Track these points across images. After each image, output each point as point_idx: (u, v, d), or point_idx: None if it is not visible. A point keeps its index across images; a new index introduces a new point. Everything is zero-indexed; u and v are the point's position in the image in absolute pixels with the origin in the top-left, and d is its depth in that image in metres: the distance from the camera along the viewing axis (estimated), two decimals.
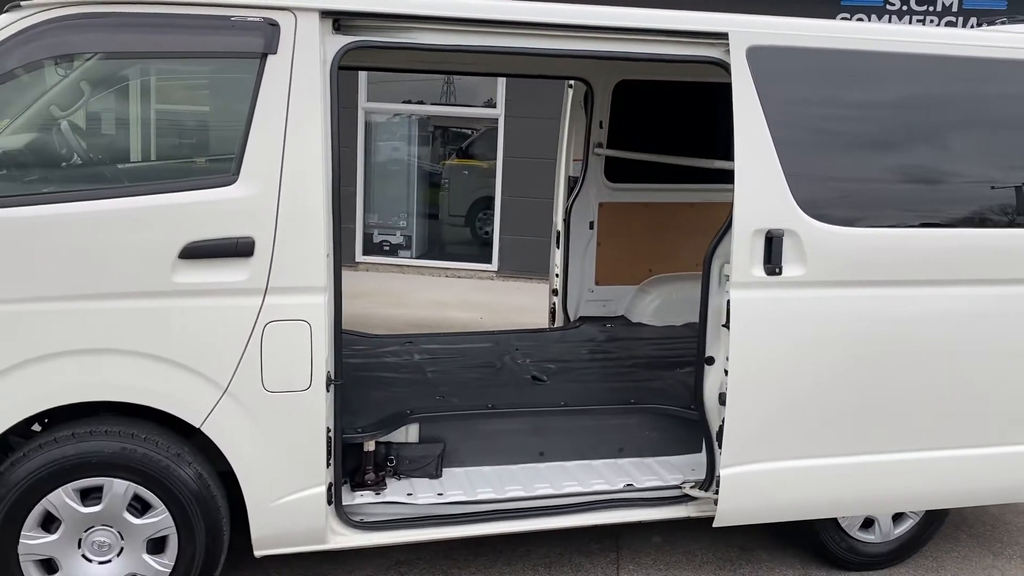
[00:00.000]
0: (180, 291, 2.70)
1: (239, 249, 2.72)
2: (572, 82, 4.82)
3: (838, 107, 3.13)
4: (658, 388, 3.80)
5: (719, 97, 4.88)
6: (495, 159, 9.65)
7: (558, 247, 4.96)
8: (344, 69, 2.87)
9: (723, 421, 3.13)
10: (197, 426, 2.78)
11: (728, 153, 4.89)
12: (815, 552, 3.61)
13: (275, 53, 2.72)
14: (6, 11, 2.61)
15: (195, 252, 2.68)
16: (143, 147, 2.90)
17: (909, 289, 3.18)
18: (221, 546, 2.92)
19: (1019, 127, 3.26)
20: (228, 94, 2.78)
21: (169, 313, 2.70)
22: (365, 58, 4.01)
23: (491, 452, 3.45)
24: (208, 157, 2.80)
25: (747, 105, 3.02)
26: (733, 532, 3.78)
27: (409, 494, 3.19)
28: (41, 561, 2.78)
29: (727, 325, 3.12)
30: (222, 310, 2.74)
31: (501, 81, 9.41)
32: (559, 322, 4.99)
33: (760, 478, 3.17)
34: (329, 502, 2.96)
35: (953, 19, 9.01)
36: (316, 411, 2.86)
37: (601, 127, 4.83)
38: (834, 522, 3.47)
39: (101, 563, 2.83)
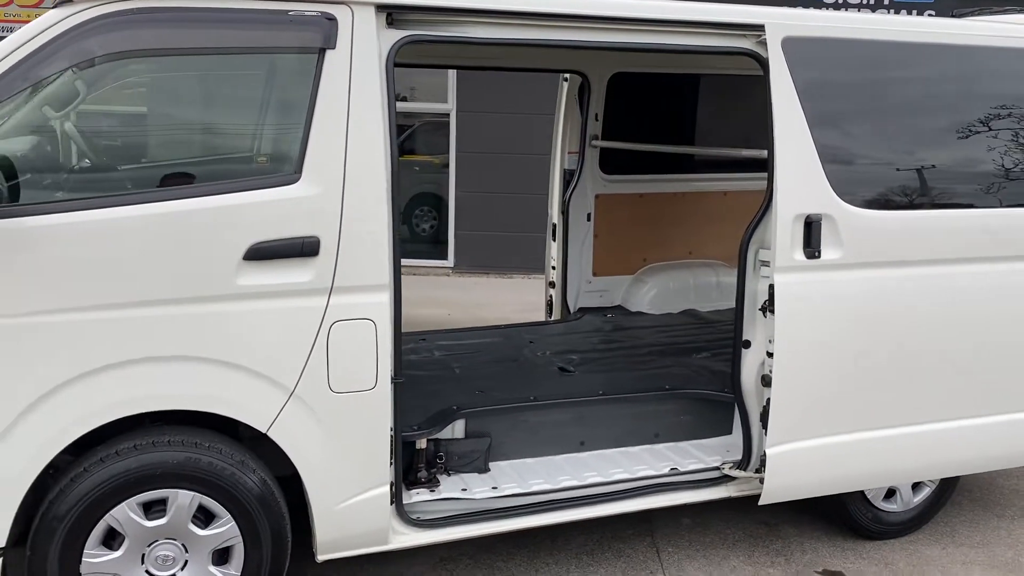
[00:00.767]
0: (245, 294, 2.63)
1: (304, 249, 2.66)
2: (567, 76, 4.86)
3: (866, 95, 3.25)
4: (683, 374, 3.88)
5: (710, 88, 5.05)
6: (447, 153, 9.62)
7: (554, 240, 5.00)
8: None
9: (767, 402, 3.23)
10: (263, 431, 2.72)
11: (721, 141, 5.05)
12: (838, 524, 3.76)
13: (333, 48, 2.68)
14: (54, 7, 2.49)
15: (260, 253, 2.62)
16: (201, 147, 2.80)
17: (936, 268, 3.34)
18: (285, 552, 2.86)
19: None
20: (287, 90, 2.71)
21: (234, 317, 2.63)
22: (413, 54, 3.93)
23: (534, 444, 3.48)
24: (269, 156, 2.73)
25: (784, 95, 3.12)
26: (756, 511, 3.87)
27: (463, 489, 3.19)
28: None
29: (764, 309, 3.23)
30: (287, 312, 2.68)
31: (451, 75, 9.37)
32: (556, 314, 5.03)
33: (805, 455, 3.28)
34: (391, 502, 2.93)
35: (885, 11, 9.42)
36: (381, 410, 2.83)
37: (597, 119, 4.89)
38: (861, 494, 3.62)
39: None
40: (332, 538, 2.87)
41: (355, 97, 2.69)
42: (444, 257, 9.62)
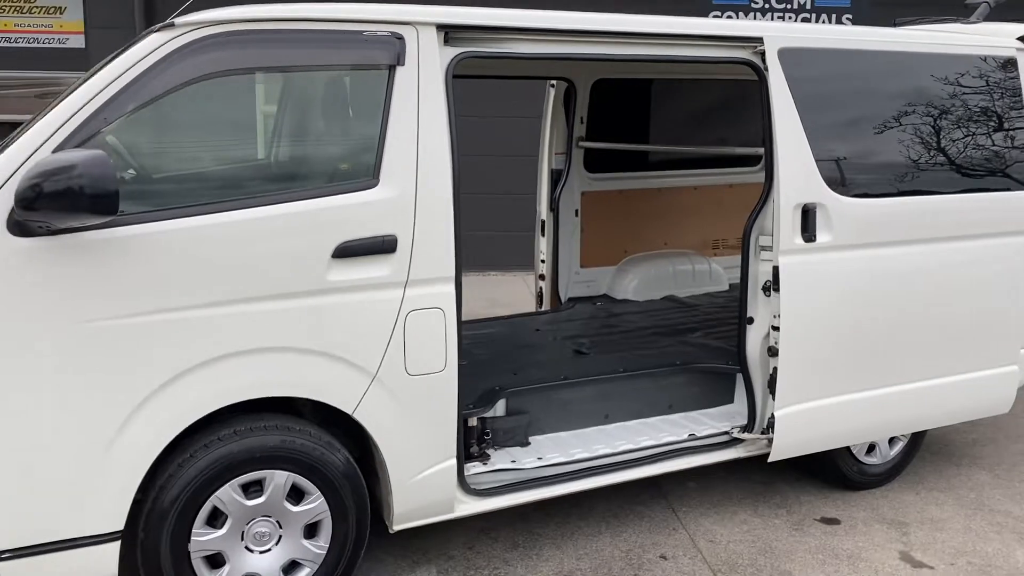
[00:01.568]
0: (334, 288, 2.89)
1: (384, 246, 2.94)
2: (554, 82, 5.22)
3: (847, 97, 3.71)
4: (685, 351, 4.28)
5: (683, 91, 5.49)
6: None
7: (543, 236, 5.36)
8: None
9: (774, 370, 3.66)
10: (350, 413, 2.98)
11: (693, 140, 5.50)
12: (826, 478, 4.22)
13: (403, 65, 2.97)
14: (158, 31, 2.71)
15: (346, 251, 2.88)
16: (292, 156, 3.04)
17: (907, 247, 3.82)
18: (366, 525, 3.13)
19: (981, 112, 3.99)
20: (363, 103, 2.97)
21: (324, 309, 2.89)
22: (463, 68, 4.19)
23: (566, 418, 3.82)
24: (351, 163, 2.98)
25: (782, 99, 3.55)
26: (753, 473, 4.34)
27: (513, 461, 3.51)
28: (208, 557, 2.90)
29: (765, 289, 3.66)
30: (370, 303, 2.96)
31: None
32: (547, 304, 5.39)
33: (807, 415, 3.72)
34: (457, 474, 3.23)
35: (808, 15, 10.10)
36: (450, 390, 3.13)
37: (582, 122, 5.27)
38: (848, 450, 4.10)
39: (262, 552, 2.98)
40: (407, 509, 3.16)
41: (422, 108, 2.99)
42: None
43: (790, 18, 10.07)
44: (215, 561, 2.92)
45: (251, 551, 2.96)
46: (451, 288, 3.08)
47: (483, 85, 7.77)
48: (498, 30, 3.15)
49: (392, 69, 2.96)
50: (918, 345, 3.92)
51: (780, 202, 3.55)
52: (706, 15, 9.89)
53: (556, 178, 5.32)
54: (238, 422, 2.88)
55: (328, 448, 2.99)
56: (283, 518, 2.98)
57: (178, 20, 2.72)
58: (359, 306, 2.94)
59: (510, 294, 8.50)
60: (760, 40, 3.55)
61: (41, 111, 2.79)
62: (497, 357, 4.17)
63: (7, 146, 2.61)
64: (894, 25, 4.63)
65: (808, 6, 10.08)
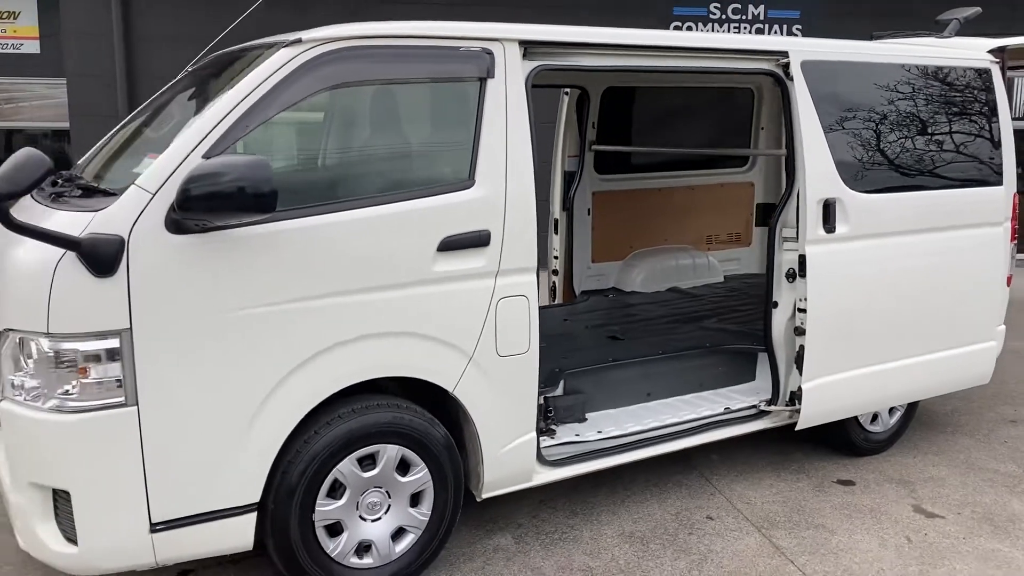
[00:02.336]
0: (438, 278, 3.20)
1: (480, 240, 3.26)
2: (568, 89, 5.60)
3: (857, 104, 4.18)
4: (708, 335, 4.70)
5: (683, 98, 5.92)
6: None
7: (556, 233, 5.73)
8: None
9: (800, 348, 4.10)
10: (450, 391, 3.29)
11: (692, 143, 5.94)
12: (835, 447, 4.69)
13: (493, 77, 3.30)
14: (287, 46, 2.98)
15: (449, 245, 3.20)
16: (401, 159, 3.33)
17: (907, 237, 4.31)
18: (461, 493, 3.44)
19: (964, 116, 4.52)
20: (459, 112, 3.28)
21: (431, 297, 3.19)
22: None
23: (614, 397, 4.20)
24: (451, 165, 3.29)
25: (805, 107, 3.99)
26: (768, 444, 4.78)
27: (576, 435, 3.87)
28: (328, 526, 3.17)
29: (790, 275, 4.10)
30: (468, 291, 3.28)
31: None
32: (560, 298, 5.76)
33: (829, 388, 4.18)
34: (536, 446, 3.57)
35: (761, 26, 10.72)
36: (532, 370, 3.47)
37: (594, 127, 5.66)
38: (856, 419, 4.57)
39: (374, 521, 3.27)
40: (494, 478, 3.48)
41: (509, 116, 3.32)
42: None
43: (745, 28, 10.68)
44: (334, 530, 3.19)
45: (364, 520, 3.24)
46: (533, 277, 3.42)
47: None
48: (567, 45, 3.51)
49: (483, 81, 3.29)
50: (916, 323, 4.42)
51: (807, 197, 3.99)
52: (668, 25, 10.42)
53: (569, 180, 5.69)
54: (352, 402, 3.16)
55: (431, 424, 3.30)
56: (392, 488, 3.27)
57: (305, 36, 3.00)
58: (459, 294, 3.26)
59: None
60: (785, 53, 3.98)
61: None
62: (543, 344, 4.51)
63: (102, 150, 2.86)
64: (871, 38, 5.13)
65: (761, 17, 10.69)
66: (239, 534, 2.98)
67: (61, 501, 2.80)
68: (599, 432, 3.90)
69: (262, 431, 2.95)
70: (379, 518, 3.28)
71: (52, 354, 2.68)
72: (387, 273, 3.10)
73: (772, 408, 4.23)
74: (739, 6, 10.55)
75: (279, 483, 3.03)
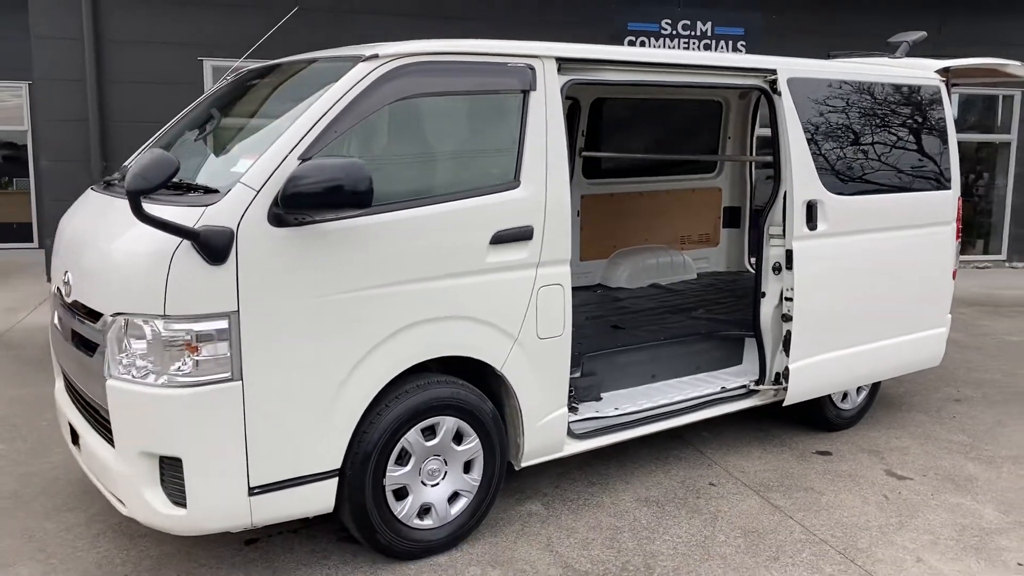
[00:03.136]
0: (490, 268, 3.59)
1: (525, 234, 3.67)
2: None
3: (833, 116, 4.74)
4: (698, 323, 5.19)
5: (663, 110, 6.43)
6: None
7: None
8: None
9: (787, 332, 4.62)
10: (498, 369, 3.68)
11: (670, 151, 6.45)
12: (810, 424, 5.23)
13: (535, 90, 3.72)
14: (364, 60, 3.34)
15: (500, 238, 3.60)
16: (460, 162, 3.71)
17: (875, 234, 4.89)
18: (505, 462, 3.83)
19: (919, 128, 5.13)
20: (507, 120, 3.67)
21: (484, 285, 3.58)
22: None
23: (624, 378, 4.64)
24: (501, 167, 3.67)
25: (791, 119, 4.52)
26: (751, 422, 5.30)
27: (596, 411, 4.30)
28: (396, 490, 3.52)
29: (776, 268, 4.62)
30: (514, 280, 3.68)
31: None
32: None
33: (812, 368, 4.71)
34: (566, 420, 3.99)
35: (708, 42, 11.37)
36: (566, 351, 3.89)
37: (583, 135, 6.12)
38: (829, 398, 5.13)
39: (433, 486, 3.63)
40: (532, 448, 3.88)
41: (548, 124, 3.74)
42: None
43: (694, 43, 11.31)
44: (399, 494, 3.55)
45: (425, 485, 3.61)
46: (567, 268, 3.85)
47: None
48: (594, 62, 3.95)
49: (526, 93, 3.70)
50: (883, 310, 5.00)
51: (794, 199, 4.51)
52: (622, 40, 10.99)
53: None
54: (416, 379, 3.53)
55: (481, 399, 3.69)
56: (449, 457, 3.65)
57: (380, 52, 3.36)
58: (507, 283, 3.66)
59: None
60: (774, 71, 4.51)
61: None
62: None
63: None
64: (828, 57, 5.72)
65: (709, 33, 11.34)
66: (323, 497, 3.32)
67: (168, 468, 3.10)
68: (616, 409, 4.34)
69: (345, 404, 3.29)
70: (437, 483, 3.65)
71: (168, 334, 2.98)
72: (449, 263, 3.48)
73: (760, 387, 4.75)
74: (688, 23, 11.18)
75: (356, 451, 3.37)
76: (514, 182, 3.66)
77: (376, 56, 3.37)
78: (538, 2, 10.65)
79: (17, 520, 3.93)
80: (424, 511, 3.62)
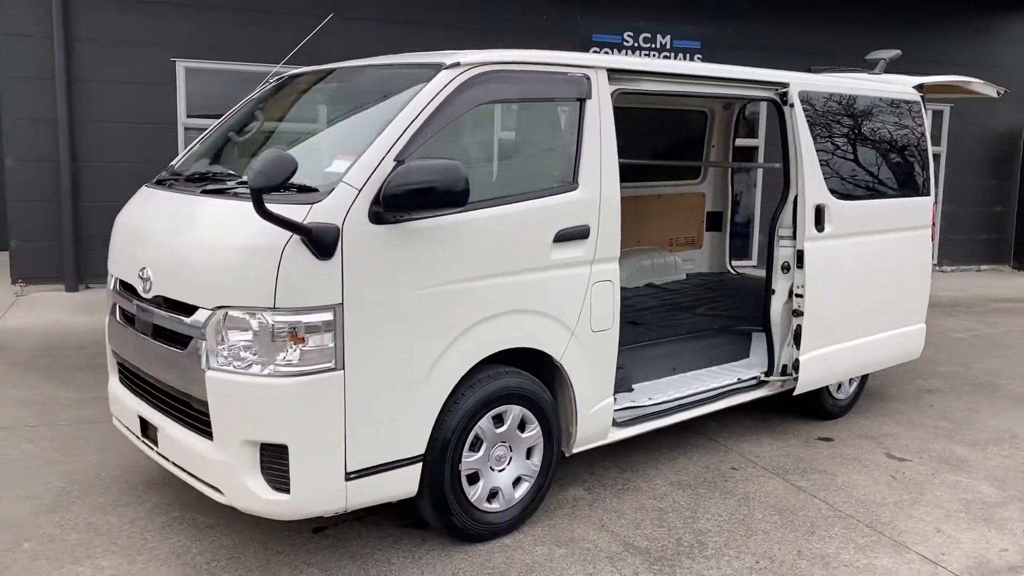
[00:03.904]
0: (553, 264, 3.82)
1: (582, 233, 3.91)
2: None
3: (835, 126, 5.13)
4: (706, 319, 5.50)
5: (654, 117, 6.75)
6: None
7: None
8: None
9: (798, 327, 4.97)
10: (558, 359, 3.91)
11: (665, 156, 6.78)
12: (807, 413, 5.61)
13: (590, 98, 3.97)
14: (447, 68, 3.52)
15: (562, 237, 3.83)
16: (531, 164, 3.91)
17: (870, 236, 5.30)
18: (560, 448, 4.05)
19: (908, 138, 5.58)
20: (567, 126, 3.91)
21: (547, 281, 3.81)
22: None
23: (649, 371, 4.92)
24: (562, 170, 3.90)
25: (802, 128, 4.89)
26: (752, 412, 5.65)
27: (632, 401, 4.56)
28: (469, 475, 3.71)
29: (784, 267, 4.97)
30: (573, 276, 3.91)
31: None
32: None
33: (819, 359, 5.08)
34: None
35: (668, 54, 11.82)
36: (614, 343, 4.15)
37: None
38: (826, 388, 5.51)
39: (499, 471, 3.83)
40: (583, 436, 4.12)
41: (602, 129, 4.00)
42: None
43: (654, 55, 11.75)
44: (472, 479, 3.73)
45: (492, 470, 3.80)
46: (616, 265, 4.10)
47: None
48: (638, 72, 4.23)
49: (583, 102, 3.95)
50: (877, 306, 5.41)
51: (805, 203, 4.88)
52: (587, 50, 11.33)
53: None
54: (487, 369, 3.72)
55: (542, 388, 3.90)
56: (514, 443, 3.85)
57: (462, 60, 3.56)
58: (566, 279, 3.89)
59: None
60: (787, 84, 4.87)
61: None
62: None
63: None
64: (808, 71, 6.13)
65: (668, 46, 11.80)
66: (408, 482, 3.48)
67: (269, 455, 3.22)
68: (650, 399, 4.61)
69: (431, 392, 3.47)
70: (503, 469, 3.85)
71: (277, 326, 3.11)
72: (521, 259, 3.69)
73: (770, 379, 5.09)
74: (649, 35, 11.62)
75: (437, 437, 3.55)
76: (573, 184, 3.90)
77: (458, 64, 3.56)
78: (504, 11, 10.90)
79: (77, 515, 3.96)
80: (492, 495, 3.81)
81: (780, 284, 5.03)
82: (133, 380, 3.89)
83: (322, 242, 3.10)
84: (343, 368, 3.21)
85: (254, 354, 3.16)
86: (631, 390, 4.74)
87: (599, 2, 11.32)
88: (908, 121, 5.67)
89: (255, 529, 3.86)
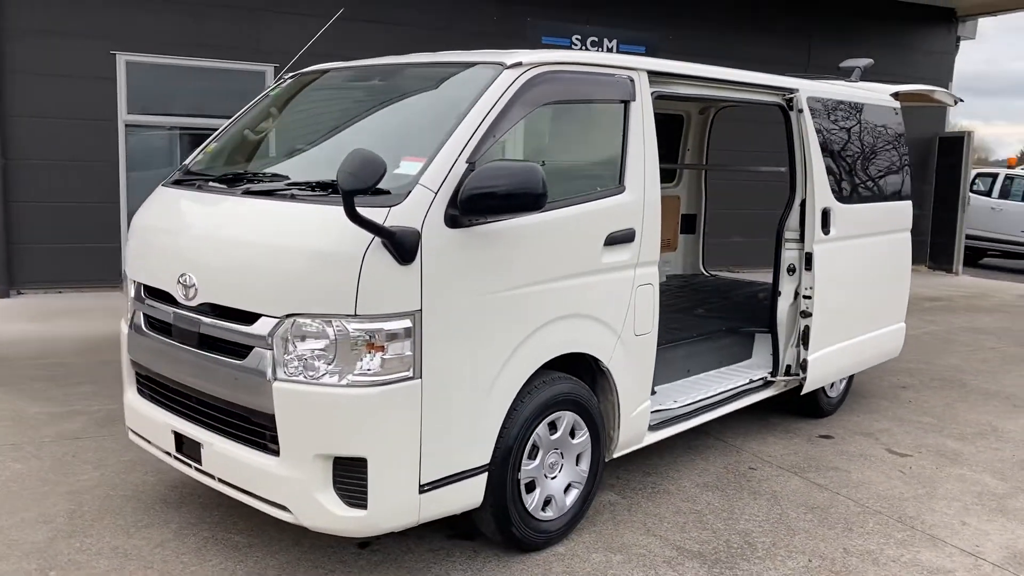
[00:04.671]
0: (603, 268, 3.78)
1: (629, 236, 3.88)
2: None
3: (837, 132, 5.27)
4: (709, 322, 5.57)
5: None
6: None
7: None
8: None
9: (806, 328, 5.08)
10: (605, 364, 3.87)
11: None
12: (801, 412, 5.75)
13: (635, 100, 3.95)
14: (509, 68, 3.44)
15: (611, 240, 3.79)
16: (582, 167, 3.84)
17: (865, 239, 5.47)
18: (604, 453, 4.01)
19: (893, 143, 5.78)
20: (613, 128, 3.86)
21: (597, 285, 3.76)
22: None
23: (666, 373, 4.93)
24: (608, 173, 3.84)
25: (811, 134, 5.00)
26: (746, 413, 5.75)
27: (660, 404, 4.56)
28: (527, 484, 3.62)
29: (790, 269, 5.08)
30: (619, 280, 3.88)
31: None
32: None
33: (825, 358, 5.20)
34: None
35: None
36: (653, 347, 4.14)
37: None
38: (822, 388, 5.65)
39: (552, 478, 3.76)
40: (624, 440, 4.09)
41: (645, 132, 3.99)
42: None
43: None
44: (528, 487, 3.65)
45: (546, 478, 3.73)
46: (656, 269, 4.09)
47: None
48: (672, 75, 4.24)
49: (627, 104, 3.93)
50: (870, 307, 5.59)
51: (814, 206, 4.99)
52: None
53: None
54: (542, 375, 3.65)
55: (590, 394, 3.86)
56: (565, 450, 3.79)
57: (524, 59, 3.48)
58: (614, 282, 3.86)
59: None
60: (796, 90, 4.97)
61: None
62: None
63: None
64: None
65: (615, 50, 11.92)
66: (474, 493, 3.38)
67: (343, 470, 3.07)
68: (675, 402, 4.62)
69: (497, 399, 3.38)
70: (555, 476, 3.78)
71: (356, 334, 2.96)
72: (576, 263, 3.64)
73: (775, 379, 5.19)
74: (596, 39, 11.71)
75: (499, 446, 3.45)
76: (619, 187, 3.87)
77: (520, 64, 3.48)
78: (456, 10, 10.80)
79: (98, 539, 3.69)
80: (545, 503, 3.74)
81: (786, 286, 5.13)
82: (164, 393, 3.65)
83: (404, 246, 2.98)
84: (420, 376, 3.09)
85: (329, 363, 3.01)
86: (654, 393, 4.73)
87: (548, 4, 11.35)
88: (893, 127, 5.88)
89: (297, 547, 3.68)
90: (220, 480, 3.38)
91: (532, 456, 3.63)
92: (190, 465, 3.51)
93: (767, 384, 5.19)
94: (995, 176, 17.48)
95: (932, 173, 14.84)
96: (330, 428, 3.03)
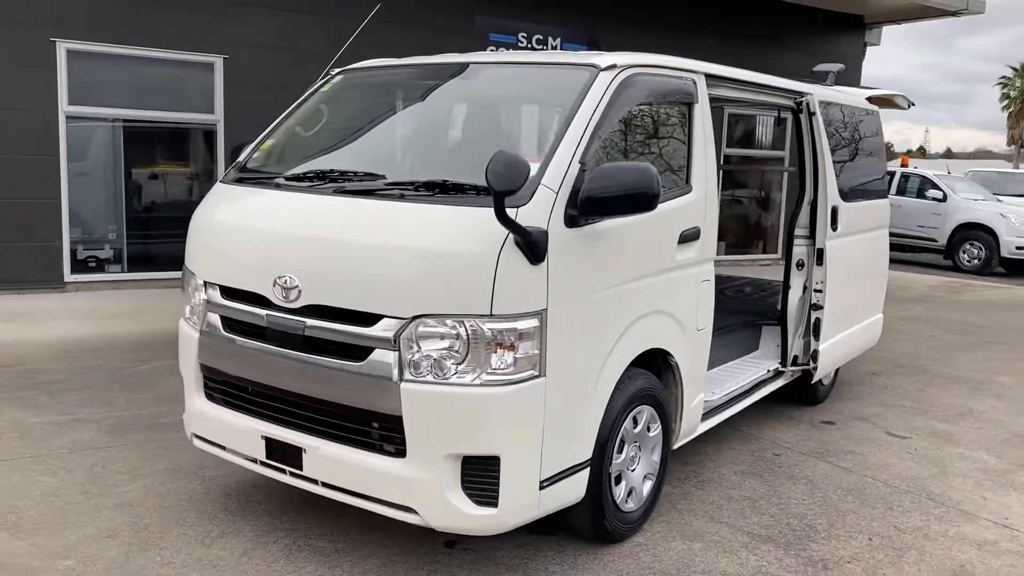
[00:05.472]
0: (676, 266, 3.90)
1: (696, 235, 4.01)
2: None
3: (839, 133, 5.56)
4: (721, 314, 5.75)
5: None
6: (213, 165, 9.77)
7: None
8: None
9: (816, 320, 5.35)
10: (675, 357, 3.99)
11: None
12: (797, 400, 6.03)
13: (698, 102, 4.08)
14: (604, 70, 3.50)
15: (683, 238, 3.92)
16: (665, 166, 3.91)
17: (860, 235, 5.81)
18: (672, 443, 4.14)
19: (877, 146, 6.15)
20: (681, 127, 3.98)
21: (671, 282, 3.88)
22: None
23: None
24: (679, 173, 3.94)
25: (821, 136, 5.27)
26: (756, 407, 5.98)
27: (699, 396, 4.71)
28: (615, 476, 3.70)
29: (799, 264, 5.35)
30: (687, 277, 4.01)
31: (219, 87, 9.56)
32: None
33: (832, 347, 5.50)
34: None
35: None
36: (708, 340, 4.29)
37: None
38: (820, 380, 5.97)
39: (632, 471, 3.86)
40: (685, 430, 4.23)
41: (706, 133, 4.13)
42: None
43: None
44: (616, 480, 3.73)
45: (628, 470, 3.83)
46: (713, 265, 4.25)
47: None
48: (719, 78, 4.40)
49: (691, 105, 4.06)
50: (862, 298, 5.94)
51: (826, 205, 5.26)
52: (484, 48, 11.37)
53: None
54: (627, 371, 3.72)
55: (662, 388, 3.97)
56: (643, 443, 3.89)
57: (617, 61, 3.55)
58: (683, 279, 3.98)
59: None
60: (809, 94, 5.23)
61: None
62: None
63: None
64: None
65: (559, 47, 12.08)
66: (579, 487, 3.43)
67: (473, 469, 3.07)
68: (713, 392, 4.79)
69: (599, 395, 3.45)
70: (635, 468, 3.88)
71: (491, 333, 2.98)
72: (660, 261, 3.75)
73: (786, 369, 5.45)
74: (541, 37, 11.84)
75: (597, 440, 3.52)
76: (688, 186, 3.99)
77: (615, 66, 3.55)
78: (405, 6, 10.70)
79: (177, 552, 3.55)
80: (628, 494, 3.83)
81: (795, 280, 5.39)
82: (251, 398, 3.53)
83: (537, 247, 3.01)
84: (544, 374, 3.12)
85: (459, 363, 3.01)
86: None
87: (496, 2, 11.39)
88: (875, 129, 6.25)
89: (385, 550, 3.65)
90: (325, 484, 3.32)
91: (620, 450, 3.72)
92: (284, 471, 3.43)
93: (779, 374, 5.44)
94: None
95: None
96: (463, 427, 3.03)
